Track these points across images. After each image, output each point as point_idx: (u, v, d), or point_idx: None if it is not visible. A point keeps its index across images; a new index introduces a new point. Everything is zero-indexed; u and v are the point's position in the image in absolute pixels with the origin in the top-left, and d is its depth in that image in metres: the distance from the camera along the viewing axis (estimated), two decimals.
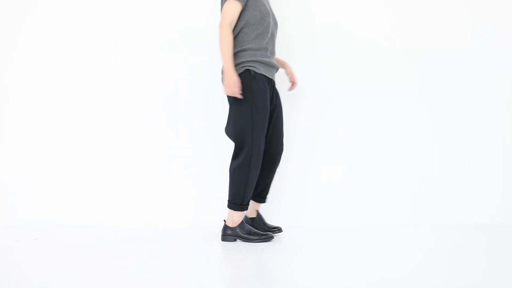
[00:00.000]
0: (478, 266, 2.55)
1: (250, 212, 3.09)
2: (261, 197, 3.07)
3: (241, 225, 2.89)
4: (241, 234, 2.87)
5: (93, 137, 3.33)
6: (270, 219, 3.31)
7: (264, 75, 2.80)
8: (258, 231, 2.91)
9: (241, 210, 2.88)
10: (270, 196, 3.19)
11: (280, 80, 3.18)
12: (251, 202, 3.09)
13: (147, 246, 2.85)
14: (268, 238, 2.87)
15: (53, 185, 3.32)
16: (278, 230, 3.05)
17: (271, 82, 2.88)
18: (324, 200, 3.32)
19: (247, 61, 2.77)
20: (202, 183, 3.33)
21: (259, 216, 3.10)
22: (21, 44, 3.35)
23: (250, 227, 2.92)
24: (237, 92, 2.74)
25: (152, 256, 2.65)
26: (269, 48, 2.83)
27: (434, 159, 3.32)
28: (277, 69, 2.93)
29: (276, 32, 2.93)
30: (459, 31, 3.31)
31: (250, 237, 2.86)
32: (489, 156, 3.31)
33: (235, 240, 2.88)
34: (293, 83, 3.09)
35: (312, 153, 3.33)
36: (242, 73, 2.78)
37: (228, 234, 2.89)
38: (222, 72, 2.77)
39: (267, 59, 2.81)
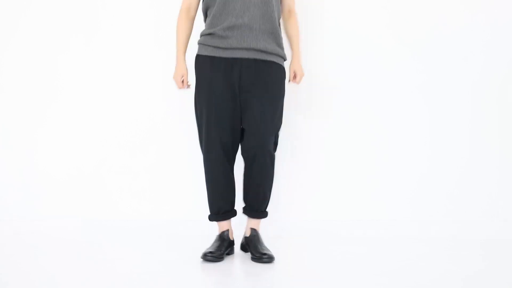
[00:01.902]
0: (478, 260, 2.56)
1: (246, 229, 2.64)
2: (249, 210, 2.60)
3: (217, 237, 2.60)
4: None
5: (91, 133, 3.31)
6: (272, 213, 3.28)
7: (209, 56, 2.52)
8: (216, 250, 2.51)
9: (212, 220, 2.61)
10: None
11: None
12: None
13: (143, 241, 2.86)
14: (207, 258, 2.47)
15: (50, 180, 3.28)
16: (268, 257, 2.47)
17: (230, 62, 2.49)
18: (326, 195, 3.30)
19: None
20: (199, 179, 3.31)
21: (251, 236, 2.57)
22: (18, 41, 3.33)
23: (220, 243, 2.56)
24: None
25: (150, 250, 2.66)
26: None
27: (435, 155, 3.30)
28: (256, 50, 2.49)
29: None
30: (459, 25, 3.30)
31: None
32: (492, 152, 3.29)
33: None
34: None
35: (312, 150, 3.32)
36: None
37: None
38: None
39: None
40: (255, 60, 2.49)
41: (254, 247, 2.52)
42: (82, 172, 3.26)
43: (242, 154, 2.56)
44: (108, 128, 3.28)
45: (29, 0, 3.29)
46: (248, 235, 2.59)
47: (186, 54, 2.67)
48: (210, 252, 2.47)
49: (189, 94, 2.84)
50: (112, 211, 3.25)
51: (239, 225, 2.79)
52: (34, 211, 3.26)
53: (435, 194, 3.22)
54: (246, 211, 2.62)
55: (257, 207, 2.59)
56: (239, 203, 2.69)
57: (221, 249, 2.51)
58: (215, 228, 2.73)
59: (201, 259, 2.47)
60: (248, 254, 2.61)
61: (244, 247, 2.64)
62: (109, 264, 2.50)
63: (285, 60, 2.62)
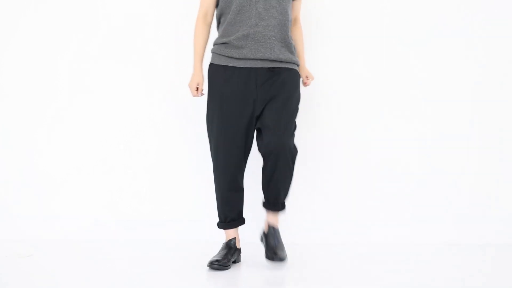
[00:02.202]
0: (478, 260, 2.56)
1: (265, 224, 2.60)
2: (268, 203, 2.56)
3: (224, 245, 2.61)
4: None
5: (91, 133, 3.31)
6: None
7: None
8: (222, 258, 2.51)
9: (220, 228, 2.63)
10: None
11: None
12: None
13: (143, 241, 2.86)
14: (213, 266, 2.47)
15: (50, 180, 3.27)
16: (280, 259, 2.46)
17: (243, 72, 2.50)
18: (326, 197, 3.30)
19: None
20: (199, 178, 3.31)
21: (269, 233, 2.53)
22: (18, 41, 3.32)
23: (226, 251, 2.56)
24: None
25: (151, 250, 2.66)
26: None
27: (435, 155, 3.30)
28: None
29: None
30: (459, 25, 3.29)
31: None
32: (492, 152, 3.28)
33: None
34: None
35: (312, 150, 3.32)
36: None
37: None
38: None
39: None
40: (268, 68, 2.50)
41: (269, 245, 2.49)
42: (82, 172, 3.26)
43: (261, 150, 2.52)
44: (108, 128, 3.28)
45: (29, 0, 3.29)
46: (266, 231, 2.54)
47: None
48: (217, 261, 2.47)
49: (190, 94, 2.84)
50: (112, 211, 3.25)
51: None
52: (34, 211, 3.26)
53: (435, 195, 3.22)
54: (264, 205, 2.56)
55: (274, 200, 2.54)
56: (246, 207, 2.69)
57: (228, 257, 2.51)
58: (215, 228, 2.73)
59: (207, 267, 2.45)
60: (253, 259, 2.63)
61: (262, 239, 2.59)
62: (109, 264, 2.51)
63: (298, 65, 2.64)
